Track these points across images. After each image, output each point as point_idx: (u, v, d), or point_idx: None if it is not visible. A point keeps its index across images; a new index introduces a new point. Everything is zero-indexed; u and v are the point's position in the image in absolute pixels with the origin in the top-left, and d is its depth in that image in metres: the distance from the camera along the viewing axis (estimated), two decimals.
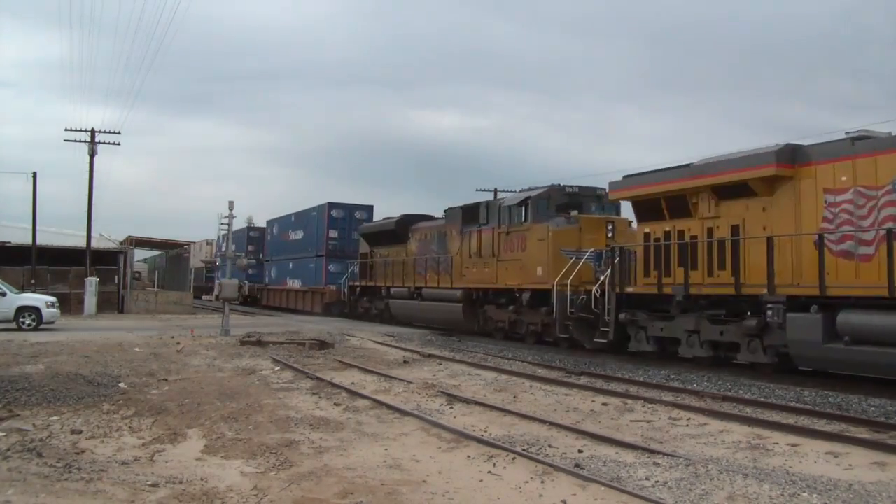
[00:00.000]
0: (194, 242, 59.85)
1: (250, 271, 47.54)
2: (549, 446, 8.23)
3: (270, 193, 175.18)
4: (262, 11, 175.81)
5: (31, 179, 35.18)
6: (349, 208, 35.95)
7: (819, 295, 12.33)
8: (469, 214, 23.18)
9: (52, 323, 24.41)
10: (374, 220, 34.22)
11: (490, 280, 21.57)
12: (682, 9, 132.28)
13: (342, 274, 33.79)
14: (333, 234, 35.33)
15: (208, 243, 58.18)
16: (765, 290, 13.21)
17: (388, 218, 30.07)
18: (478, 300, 22.55)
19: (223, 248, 52.05)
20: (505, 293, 21.15)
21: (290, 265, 40.37)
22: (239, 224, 44.25)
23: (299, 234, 39.38)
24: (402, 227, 27.77)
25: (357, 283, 31.82)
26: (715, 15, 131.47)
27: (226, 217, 25.51)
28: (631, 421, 9.93)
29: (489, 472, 7.14)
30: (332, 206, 35.55)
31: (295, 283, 39.26)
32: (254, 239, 49.84)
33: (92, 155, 36.35)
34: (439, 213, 28.01)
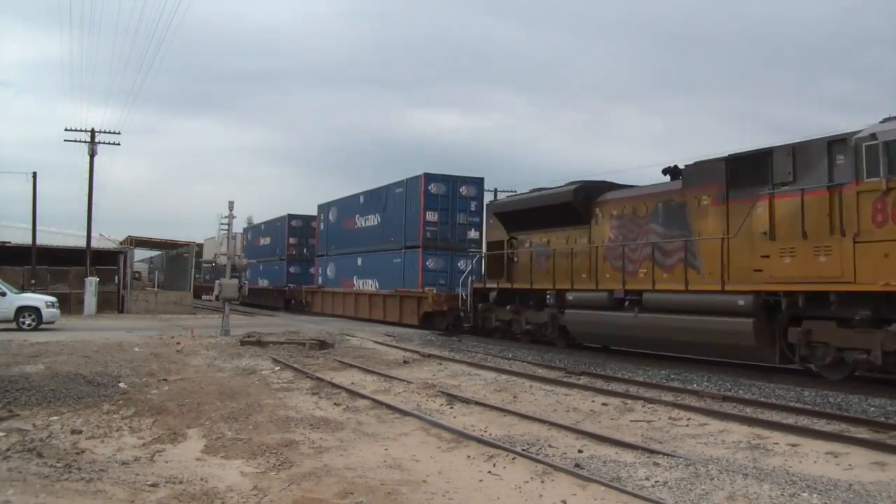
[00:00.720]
0: (193, 242, 55.76)
1: (291, 269, 41.20)
2: (549, 446, 8.23)
3: (270, 193, 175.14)
4: (262, 11, 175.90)
5: (31, 179, 35.25)
6: (453, 182, 26.66)
7: None
8: (745, 169, 14.13)
9: (52, 323, 24.42)
10: (487, 195, 26.51)
11: (830, 275, 12.32)
12: (681, 9, 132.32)
13: (443, 272, 25.53)
14: (432, 216, 25.91)
15: (232, 237, 53.81)
16: None
17: (544, 189, 20.77)
18: (786, 312, 13.26)
19: (248, 241, 48.85)
20: (867, 300, 11.88)
21: (359, 261, 31.22)
22: (239, 224, 42.44)
23: (374, 220, 30.29)
24: (582, 200, 18.51)
25: (488, 286, 21.93)
26: (714, 15, 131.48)
27: (226, 217, 25.34)
28: (631, 421, 9.93)
29: (489, 472, 7.14)
30: (429, 178, 26.24)
31: (368, 285, 30.39)
32: (297, 230, 41.56)
33: (92, 155, 36.38)
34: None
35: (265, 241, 47.05)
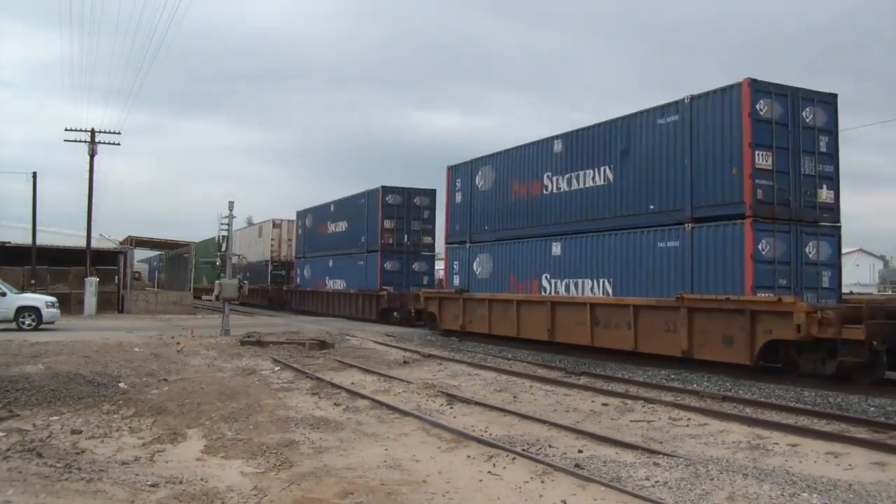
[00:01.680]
0: (193, 242, 45.57)
1: (387, 265, 30.52)
2: (549, 446, 8.23)
3: (270, 193, 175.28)
4: (263, 12, 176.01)
5: (31, 179, 35.21)
6: (792, 98, 14.39)
7: None
8: None
9: (52, 323, 24.43)
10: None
11: None
12: (681, 8, 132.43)
13: (785, 263, 14.03)
14: (764, 160, 13.99)
15: (275, 225, 45.40)
16: None
17: None
18: None
19: (307, 229, 43.48)
20: None
21: (554, 248, 19.32)
22: (239, 224, 41.04)
23: (594, 177, 17.98)
24: None
25: None
26: (714, 15, 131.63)
27: (226, 217, 25.27)
28: (631, 421, 9.93)
29: (489, 472, 7.14)
30: (756, 89, 14.11)
31: (586, 288, 17.96)
32: (394, 209, 30.45)
33: (92, 155, 36.37)
34: None
35: (337, 227, 35.65)
